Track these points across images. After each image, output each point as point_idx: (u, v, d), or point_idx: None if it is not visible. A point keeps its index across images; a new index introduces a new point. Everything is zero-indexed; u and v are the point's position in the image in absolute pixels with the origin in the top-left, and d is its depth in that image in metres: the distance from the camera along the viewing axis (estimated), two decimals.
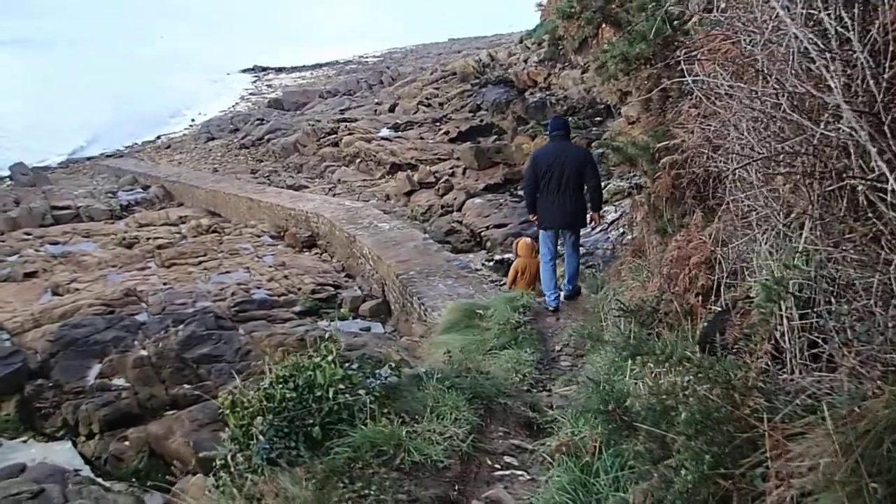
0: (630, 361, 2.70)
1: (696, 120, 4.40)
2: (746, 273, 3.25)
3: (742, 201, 3.23)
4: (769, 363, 2.07)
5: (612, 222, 13.23)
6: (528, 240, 9.16)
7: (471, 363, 4.39)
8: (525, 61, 29.43)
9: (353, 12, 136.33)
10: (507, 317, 5.97)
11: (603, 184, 15.62)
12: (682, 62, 5.28)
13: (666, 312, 3.83)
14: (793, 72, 2.24)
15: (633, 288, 4.54)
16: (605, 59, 5.54)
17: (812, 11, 2.26)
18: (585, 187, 6.58)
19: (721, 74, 3.96)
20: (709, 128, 4.16)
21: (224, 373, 11.25)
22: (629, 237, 7.48)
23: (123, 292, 14.64)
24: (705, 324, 2.96)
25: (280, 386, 3.67)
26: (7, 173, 30.18)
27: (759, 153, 2.69)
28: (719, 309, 2.91)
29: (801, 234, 2.34)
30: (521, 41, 34.63)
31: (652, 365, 2.20)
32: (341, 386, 3.62)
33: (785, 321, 2.09)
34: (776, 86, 2.40)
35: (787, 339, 2.07)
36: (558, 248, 6.86)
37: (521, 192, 19.44)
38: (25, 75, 59.44)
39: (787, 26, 2.24)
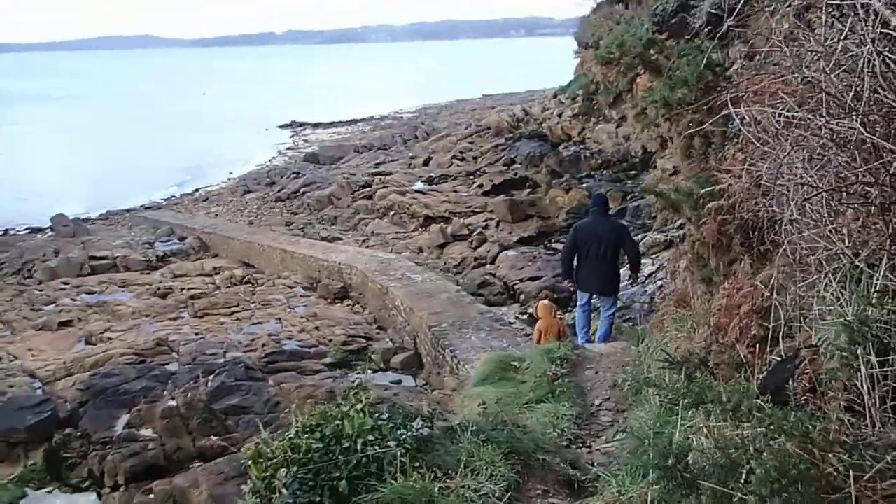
0: (686, 412, 2.47)
1: (742, 164, 4.22)
2: (804, 321, 3.03)
3: (799, 243, 3.02)
4: (847, 415, 1.84)
5: (650, 275, 12.94)
6: (547, 301, 9.37)
7: (507, 416, 4.16)
8: (559, 115, 29.60)
9: (389, 70, 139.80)
10: (543, 368, 5.74)
11: (640, 237, 15.47)
12: (725, 106, 5.13)
13: (716, 364, 3.59)
14: (868, 95, 2.07)
15: (678, 339, 4.31)
16: (646, 104, 5.42)
17: (887, 31, 2.10)
18: (625, 256, 7.32)
19: (772, 113, 3.79)
20: (758, 171, 3.98)
21: (252, 424, 11.04)
22: (671, 288, 7.23)
23: (155, 342, 14.64)
24: (764, 373, 2.72)
25: (306, 436, 3.48)
26: (48, 224, 30.82)
27: (822, 187, 2.49)
28: (778, 358, 2.68)
29: (873, 274, 2.13)
30: (554, 96, 34.92)
31: (714, 416, 1.98)
32: (370, 437, 3.42)
33: (863, 367, 1.87)
34: (843, 111, 2.23)
35: (866, 387, 1.85)
36: (594, 304, 7.53)
37: (555, 246, 19.30)
38: (72, 130, 61.49)
39: (859, 48, 2.07)
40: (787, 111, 3.69)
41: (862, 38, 2.14)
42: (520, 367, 6.09)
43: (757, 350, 3.45)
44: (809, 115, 3.12)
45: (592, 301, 7.80)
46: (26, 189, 39.82)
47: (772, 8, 5.67)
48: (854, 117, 2.18)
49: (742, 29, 6.97)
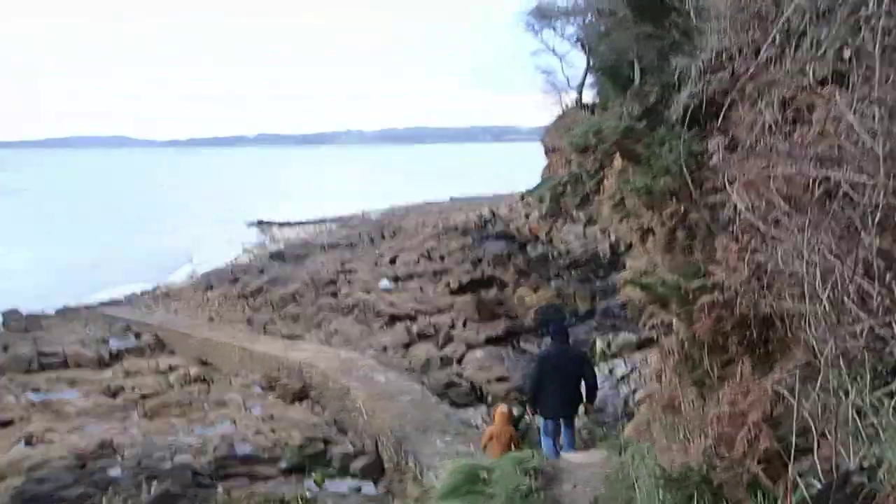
0: None
1: (738, 255, 3.89)
2: (832, 432, 2.60)
3: (820, 339, 2.63)
4: None
5: (623, 378, 12.51)
6: (505, 409, 9.28)
7: None
8: (526, 216, 29.73)
9: (358, 171, 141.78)
10: (515, 482, 5.18)
11: (611, 336, 15.15)
12: (711, 195, 4.86)
13: (720, 484, 3.13)
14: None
15: (670, 450, 3.84)
16: (624, 193, 5.16)
17: None
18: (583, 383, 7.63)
19: (770, 199, 3.49)
20: (759, 261, 3.64)
21: None
22: (653, 390, 6.79)
23: (98, 444, 13.66)
24: None
25: None
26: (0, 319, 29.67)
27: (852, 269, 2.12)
28: (820, 484, 2.22)
29: None
30: (521, 198, 35.23)
31: None
32: None
33: None
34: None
35: None
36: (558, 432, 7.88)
37: (524, 346, 18.85)
38: (30, 223, 60.52)
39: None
40: (787, 197, 3.40)
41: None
42: (488, 478, 5.51)
43: (768, 467, 3.00)
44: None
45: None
46: None
47: (755, 98, 5.52)
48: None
49: (719, 121, 6.86)
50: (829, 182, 2.99)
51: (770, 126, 5.11)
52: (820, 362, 2.70)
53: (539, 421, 8.01)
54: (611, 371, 13.09)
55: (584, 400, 7.82)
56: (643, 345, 13.92)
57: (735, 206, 4.37)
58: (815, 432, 2.80)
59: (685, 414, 4.22)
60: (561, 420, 7.87)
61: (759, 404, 3.14)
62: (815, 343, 2.65)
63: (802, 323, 2.96)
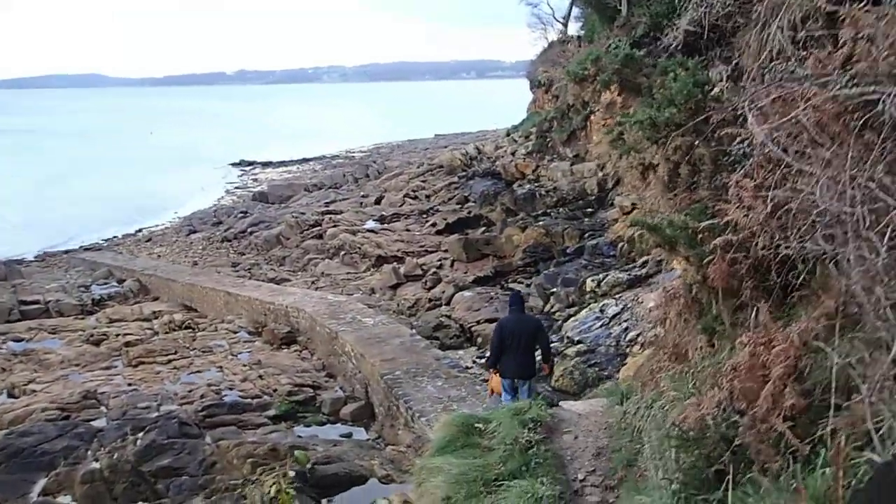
0: None
1: (754, 193, 3.54)
2: (871, 388, 2.30)
3: (864, 286, 2.31)
4: None
5: (615, 316, 12.29)
6: None
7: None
8: (513, 154, 29.22)
9: (340, 110, 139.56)
10: (514, 433, 4.92)
11: (601, 276, 14.92)
12: (720, 127, 4.48)
13: (742, 444, 2.84)
14: None
15: (678, 402, 3.56)
16: (624, 127, 4.79)
17: None
18: (538, 346, 8.72)
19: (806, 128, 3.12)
20: (777, 199, 3.29)
21: (185, 489, 9.96)
22: (656, 336, 6.52)
23: (82, 395, 13.42)
24: (861, 487, 1.91)
25: None
26: None
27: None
28: (880, 459, 1.91)
29: None
30: (507, 135, 34.62)
31: None
32: None
33: None
34: None
35: None
36: (517, 390, 8.71)
37: (512, 286, 18.62)
38: (9, 167, 59.27)
39: None
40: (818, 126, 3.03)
41: None
42: (485, 429, 5.26)
43: (798, 425, 2.72)
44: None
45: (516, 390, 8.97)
46: None
47: (762, 23, 5.09)
48: None
49: (722, 48, 6.43)
50: (871, 107, 2.63)
51: (781, 51, 4.71)
52: (859, 311, 2.38)
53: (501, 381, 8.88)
54: (601, 310, 12.88)
55: (542, 361, 8.82)
56: (634, 283, 13.70)
57: (749, 140, 4.01)
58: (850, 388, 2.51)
59: (694, 363, 3.94)
60: (519, 381, 8.70)
61: (783, 355, 2.84)
62: (855, 289, 2.32)
63: (836, 267, 2.63)
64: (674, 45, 5.75)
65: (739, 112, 4.15)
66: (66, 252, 33.30)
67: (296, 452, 10.11)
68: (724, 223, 3.67)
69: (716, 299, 3.75)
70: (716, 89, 5.42)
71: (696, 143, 4.30)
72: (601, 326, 12.33)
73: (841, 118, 2.79)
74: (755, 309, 3.46)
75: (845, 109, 2.82)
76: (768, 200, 3.33)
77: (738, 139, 4.05)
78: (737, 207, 3.62)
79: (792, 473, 2.36)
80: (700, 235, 3.93)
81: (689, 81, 4.48)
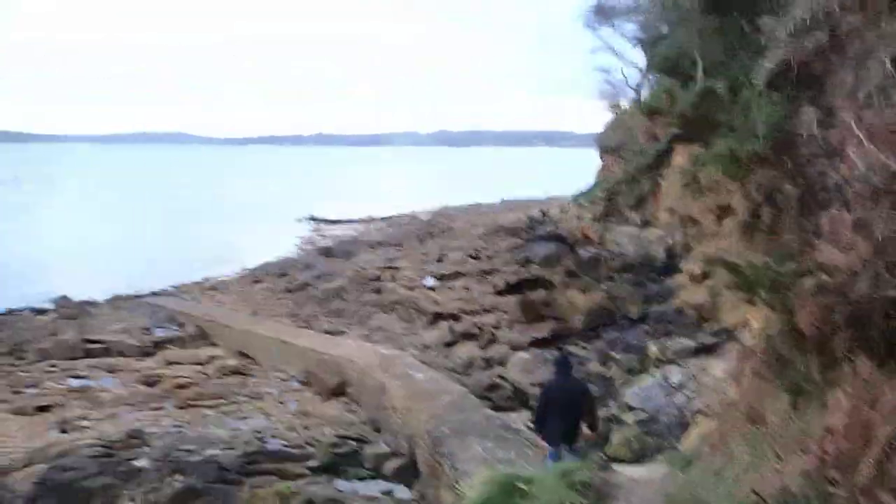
0: None
1: (854, 229, 3.03)
2: None
3: None
4: None
5: (678, 385, 11.54)
6: None
7: None
8: (578, 218, 28.78)
9: (410, 172, 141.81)
10: (558, 497, 4.37)
11: (666, 343, 14.18)
12: (808, 164, 4.00)
13: None
14: None
15: (758, 468, 3.02)
16: (703, 163, 4.37)
17: None
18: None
19: None
20: (881, 236, 2.78)
21: None
22: (728, 396, 5.91)
23: (127, 433, 13.28)
24: None
25: None
26: (52, 306, 29.92)
27: None
28: None
29: None
30: (574, 200, 34.24)
31: None
32: None
33: None
34: None
35: None
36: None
37: (570, 349, 17.92)
38: (101, 216, 62.11)
39: None
40: None
41: None
42: (528, 491, 4.71)
43: None
44: None
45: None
46: (38, 267, 39.34)
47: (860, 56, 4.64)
48: None
49: (812, 88, 5.96)
50: None
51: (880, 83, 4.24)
52: None
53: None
54: (665, 378, 12.14)
55: (588, 428, 8.54)
56: (701, 351, 12.92)
57: (847, 172, 3.51)
58: None
59: (773, 425, 3.39)
60: (563, 447, 8.47)
61: (892, 415, 2.31)
62: None
63: None
64: (761, 83, 5.33)
65: (832, 146, 3.69)
66: (136, 296, 34.10)
67: None
68: (816, 264, 3.16)
69: (803, 352, 3.22)
70: (803, 125, 4.96)
71: (778, 180, 3.84)
72: (664, 394, 11.59)
73: None
74: (854, 362, 2.92)
75: None
76: (872, 237, 2.83)
77: (832, 173, 3.57)
78: (832, 246, 3.12)
79: None
80: (785, 280, 3.42)
81: (776, 113, 4.04)
